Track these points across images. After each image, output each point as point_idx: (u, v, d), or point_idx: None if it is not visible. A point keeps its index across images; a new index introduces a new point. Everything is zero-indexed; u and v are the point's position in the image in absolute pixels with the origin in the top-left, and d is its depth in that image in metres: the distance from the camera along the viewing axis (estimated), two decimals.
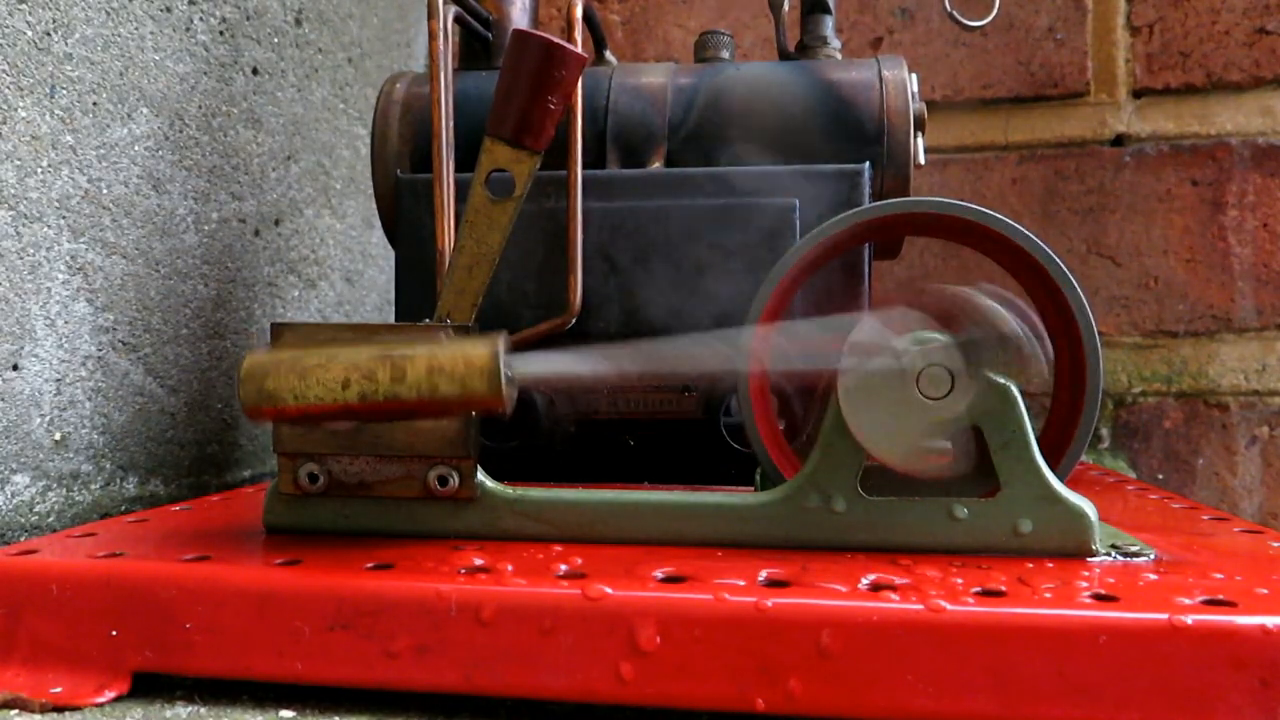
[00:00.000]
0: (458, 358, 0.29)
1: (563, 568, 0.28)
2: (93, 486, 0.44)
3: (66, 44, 0.42)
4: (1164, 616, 0.24)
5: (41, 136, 0.40)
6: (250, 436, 0.56)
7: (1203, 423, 0.71)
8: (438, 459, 0.32)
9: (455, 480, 0.32)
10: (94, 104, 0.43)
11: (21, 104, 0.39)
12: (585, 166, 0.44)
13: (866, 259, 0.44)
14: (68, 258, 0.42)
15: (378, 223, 0.69)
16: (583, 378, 0.35)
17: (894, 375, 0.29)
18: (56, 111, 0.41)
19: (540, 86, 0.32)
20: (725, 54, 0.51)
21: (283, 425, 0.32)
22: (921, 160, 0.46)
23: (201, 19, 0.50)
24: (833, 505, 0.30)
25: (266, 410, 0.30)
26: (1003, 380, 0.29)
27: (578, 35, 0.44)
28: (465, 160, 0.43)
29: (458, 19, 0.47)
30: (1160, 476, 0.71)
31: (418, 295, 0.45)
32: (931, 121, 0.72)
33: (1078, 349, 0.33)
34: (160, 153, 0.47)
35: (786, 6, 0.51)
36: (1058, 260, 0.32)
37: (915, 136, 0.46)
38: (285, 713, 0.27)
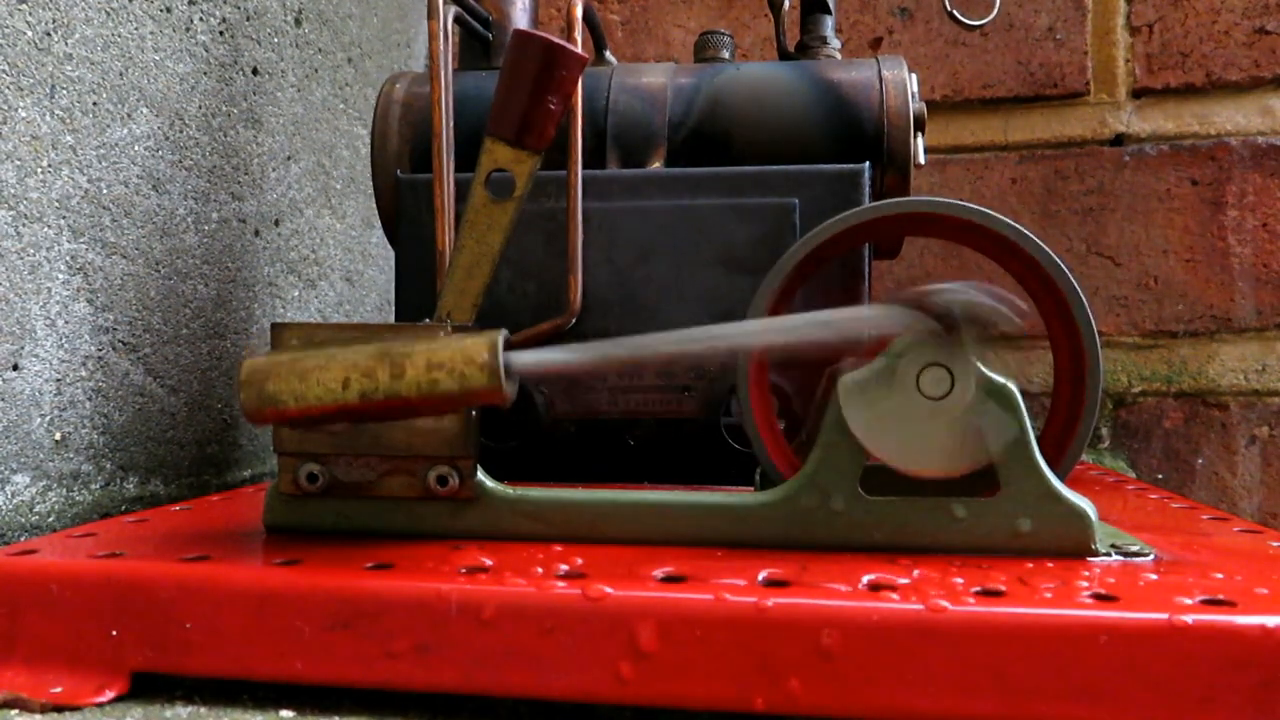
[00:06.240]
0: (456, 353, 0.29)
1: (563, 568, 0.28)
2: (93, 486, 0.44)
3: (66, 44, 0.42)
4: (1164, 616, 0.24)
5: (41, 136, 0.40)
6: (250, 436, 0.56)
7: (1202, 423, 0.71)
8: (438, 459, 0.32)
9: (455, 480, 0.32)
10: (94, 104, 0.43)
11: (21, 104, 0.39)
12: (585, 166, 0.44)
13: (866, 259, 0.44)
14: (68, 258, 0.42)
15: (378, 223, 0.69)
16: (582, 369, 0.35)
17: (889, 377, 0.29)
18: (56, 111, 0.41)
19: (541, 86, 0.32)
20: (725, 54, 0.51)
21: (283, 426, 0.32)
22: (921, 160, 0.46)
23: (201, 19, 0.50)
24: (832, 505, 0.30)
25: (268, 413, 0.30)
26: (1002, 380, 0.29)
27: (578, 35, 0.44)
28: (465, 160, 0.43)
29: (458, 19, 0.47)
30: (1160, 476, 0.71)
31: (418, 295, 0.45)
32: (931, 121, 0.72)
33: (1078, 349, 0.33)
34: (160, 153, 0.47)
35: (786, 6, 0.51)
36: (1058, 260, 0.32)
37: (915, 136, 0.46)
38: (285, 713, 0.27)
